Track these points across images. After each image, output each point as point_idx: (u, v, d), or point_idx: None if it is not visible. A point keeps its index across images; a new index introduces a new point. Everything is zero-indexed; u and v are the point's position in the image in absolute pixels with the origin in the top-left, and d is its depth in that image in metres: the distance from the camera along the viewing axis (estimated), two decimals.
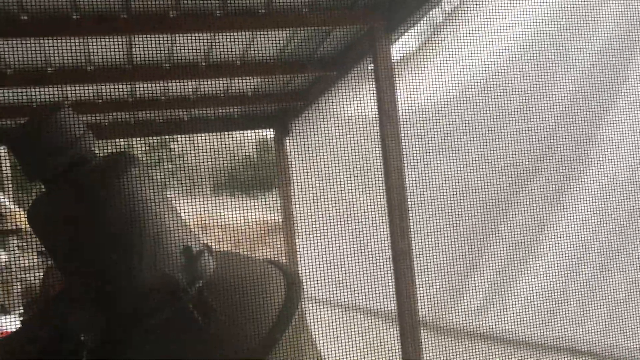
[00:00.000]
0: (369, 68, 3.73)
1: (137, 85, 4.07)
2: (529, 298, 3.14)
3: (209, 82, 4.19)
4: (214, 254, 1.67)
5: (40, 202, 1.61)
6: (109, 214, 1.53)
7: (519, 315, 3.18)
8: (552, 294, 3.00)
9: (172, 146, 5.15)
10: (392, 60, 3.39)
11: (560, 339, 2.90)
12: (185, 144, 5.18)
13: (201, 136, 5.08)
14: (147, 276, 1.52)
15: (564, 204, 2.98)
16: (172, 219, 1.59)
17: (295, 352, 1.60)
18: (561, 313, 2.94)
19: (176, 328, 1.53)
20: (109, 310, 1.54)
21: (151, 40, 3.43)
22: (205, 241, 1.67)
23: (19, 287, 4.37)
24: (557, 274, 2.99)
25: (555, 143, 2.96)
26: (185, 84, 4.16)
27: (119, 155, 1.66)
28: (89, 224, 1.53)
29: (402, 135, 3.30)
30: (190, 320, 1.51)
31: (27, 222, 1.62)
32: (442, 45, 3.63)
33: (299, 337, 1.63)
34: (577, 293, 2.87)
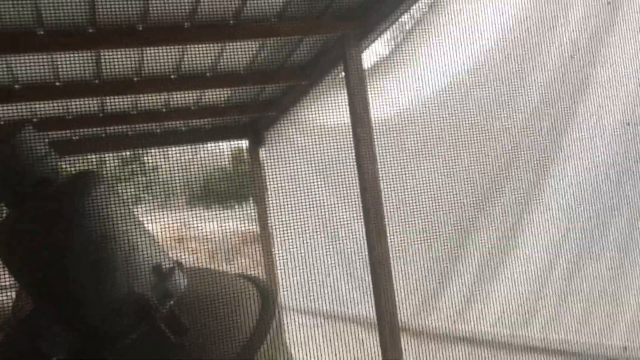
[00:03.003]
0: (341, 76, 3.73)
1: (107, 100, 4.03)
2: (506, 300, 3.15)
3: (180, 95, 4.16)
4: (185, 270, 1.65)
5: (4, 226, 1.57)
6: (76, 234, 1.50)
7: (497, 317, 3.20)
8: (529, 295, 3.02)
9: (145, 159, 5.10)
10: (364, 68, 3.40)
11: (538, 340, 2.92)
12: (159, 156, 5.13)
13: (174, 148, 5.04)
14: (117, 295, 1.49)
15: (538, 206, 3.01)
16: (142, 237, 1.57)
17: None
18: (538, 314, 2.96)
19: (149, 347, 1.50)
20: (80, 331, 1.51)
21: (120, 54, 3.40)
22: (176, 258, 1.65)
23: None
24: (532, 275, 3.01)
25: (528, 142, 2.99)
26: (156, 97, 4.12)
27: (84, 175, 1.63)
28: (55, 246, 1.50)
29: (376, 141, 3.31)
30: (163, 339, 1.48)
31: None
32: (413, 51, 3.65)
33: (276, 351, 1.62)
34: (553, 293, 2.89)
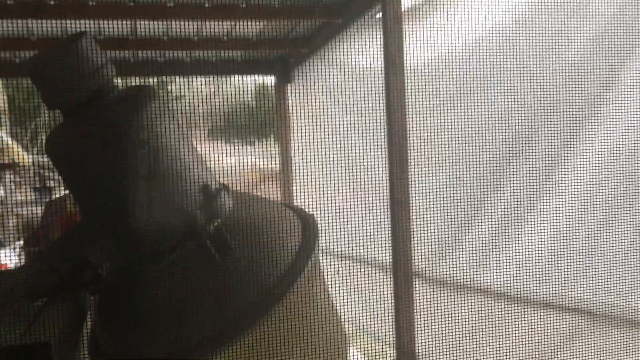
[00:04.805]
0: (377, 17, 3.66)
1: (139, 23, 3.97)
2: (525, 254, 3.17)
3: (213, 24, 4.10)
4: (231, 193, 1.66)
5: (59, 132, 1.58)
6: (129, 147, 1.50)
7: (515, 271, 3.22)
8: (550, 251, 3.03)
9: (169, 87, 5.07)
10: (402, 9, 3.32)
11: (556, 297, 2.94)
12: (184, 86, 5.10)
13: (199, 79, 5.00)
14: (165, 212, 1.51)
15: (566, 162, 2.99)
16: (192, 156, 1.58)
17: (310, 294, 1.61)
18: (558, 270, 2.98)
19: (193, 264, 1.53)
20: (126, 244, 1.54)
21: None
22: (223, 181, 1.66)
23: (14, 221, 4.36)
24: (555, 231, 3.01)
25: (561, 102, 2.95)
26: (189, 24, 4.07)
27: (140, 88, 1.62)
28: (108, 157, 1.50)
29: (407, 87, 3.26)
30: (208, 257, 1.51)
31: (44, 152, 1.59)
32: None
33: (314, 280, 1.64)
34: (574, 251, 2.90)
